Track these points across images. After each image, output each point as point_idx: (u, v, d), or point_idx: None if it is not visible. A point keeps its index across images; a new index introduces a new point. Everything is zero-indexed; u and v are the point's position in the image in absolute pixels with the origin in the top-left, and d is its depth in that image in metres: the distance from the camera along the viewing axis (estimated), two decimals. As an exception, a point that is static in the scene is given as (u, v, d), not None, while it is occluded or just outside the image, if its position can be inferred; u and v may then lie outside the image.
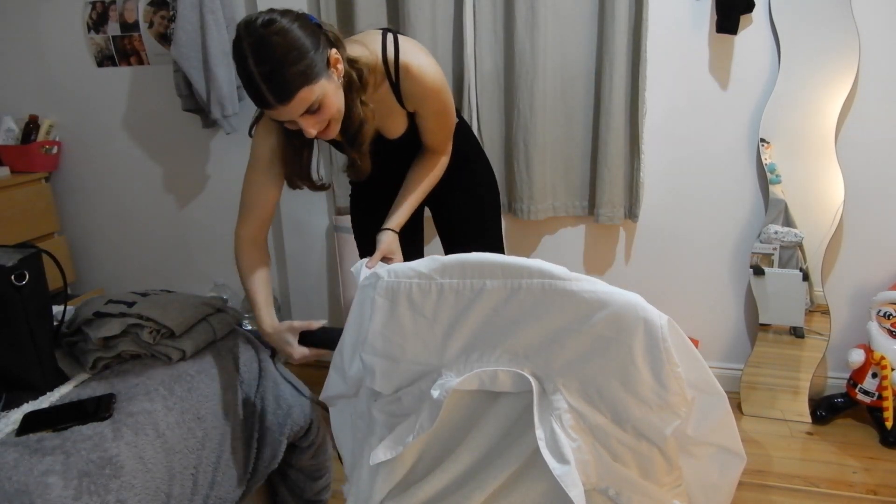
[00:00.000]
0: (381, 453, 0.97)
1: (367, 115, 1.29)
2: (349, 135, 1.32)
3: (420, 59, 1.33)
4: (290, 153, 1.38)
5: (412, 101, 1.37)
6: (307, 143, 1.37)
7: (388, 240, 1.40)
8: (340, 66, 1.21)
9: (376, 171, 1.46)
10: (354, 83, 1.26)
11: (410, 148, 1.50)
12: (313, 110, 1.17)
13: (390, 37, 1.32)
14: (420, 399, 0.97)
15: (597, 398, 0.87)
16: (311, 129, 1.20)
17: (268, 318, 1.34)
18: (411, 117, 1.43)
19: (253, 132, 1.43)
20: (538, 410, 0.88)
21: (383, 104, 1.37)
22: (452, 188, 1.59)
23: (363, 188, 1.65)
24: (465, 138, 1.61)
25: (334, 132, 1.26)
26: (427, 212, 1.75)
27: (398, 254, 1.41)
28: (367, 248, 1.62)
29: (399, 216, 1.46)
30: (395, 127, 1.44)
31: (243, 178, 1.44)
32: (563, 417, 0.88)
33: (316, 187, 1.46)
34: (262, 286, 1.38)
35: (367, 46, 1.30)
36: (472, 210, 1.67)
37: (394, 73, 1.32)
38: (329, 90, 1.17)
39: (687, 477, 0.93)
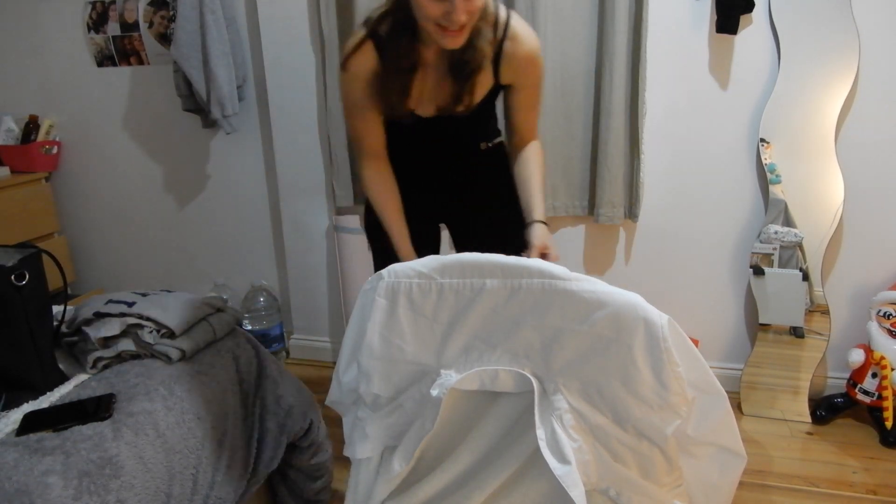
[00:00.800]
0: (395, 464, 0.97)
1: (486, 49, 1.28)
2: (465, 72, 1.30)
3: (527, 27, 1.33)
4: (392, 77, 1.33)
5: (510, 68, 1.34)
6: (412, 69, 1.33)
7: (542, 233, 1.34)
8: None
9: (417, 149, 1.44)
10: (485, 14, 1.25)
11: (465, 127, 1.45)
12: None
13: (500, 2, 1.33)
14: (422, 403, 0.97)
15: (597, 398, 0.87)
16: (462, 13, 1.17)
17: (405, 248, 1.38)
18: (493, 93, 1.38)
19: (344, 68, 1.38)
20: (539, 410, 0.88)
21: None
22: (477, 205, 1.53)
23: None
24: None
25: (463, 39, 1.24)
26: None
27: (554, 248, 1.34)
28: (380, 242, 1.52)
29: (540, 206, 1.39)
30: (472, 94, 1.37)
31: (345, 122, 1.47)
32: (564, 417, 0.88)
33: (404, 115, 1.39)
34: (397, 216, 1.41)
35: None
36: (494, 229, 1.54)
37: (501, 32, 1.30)
38: None
39: (687, 477, 0.93)
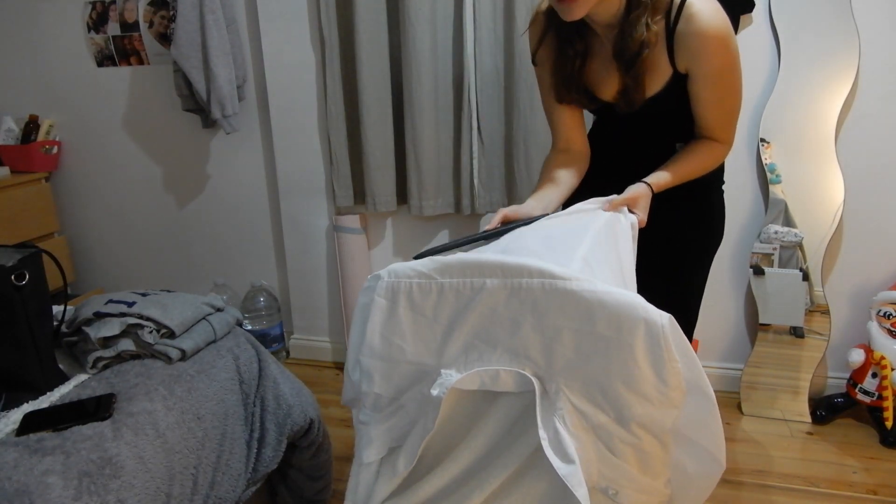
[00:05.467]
0: (400, 465, 0.97)
1: (650, 38, 1.17)
2: (626, 57, 1.21)
3: (710, 4, 1.16)
4: (561, 61, 1.30)
5: (685, 54, 1.19)
6: (580, 53, 1.28)
7: (640, 190, 1.21)
8: None
9: (608, 139, 1.38)
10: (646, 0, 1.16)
11: (652, 122, 1.33)
12: None
13: None
14: (423, 403, 0.97)
15: (599, 398, 0.87)
16: None
17: (529, 204, 1.26)
18: (673, 84, 1.25)
19: (535, 60, 1.38)
20: (541, 411, 0.88)
21: (651, 52, 1.22)
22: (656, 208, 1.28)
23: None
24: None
25: (582, 9, 1.14)
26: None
27: (645, 211, 1.20)
28: None
29: (661, 177, 1.25)
30: (651, 84, 1.25)
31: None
32: (567, 417, 0.88)
33: (586, 103, 1.33)
34: (542, 192, 1.30)
35: None
36: (671, 255, 1.36)
37: (674, 14, 1.17)
38: None
39: None
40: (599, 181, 1.33)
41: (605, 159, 1.43)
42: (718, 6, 1.18)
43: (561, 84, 1.33)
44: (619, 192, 1.25)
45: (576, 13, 1.15)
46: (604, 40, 1.27)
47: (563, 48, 1.28)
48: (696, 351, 1.19)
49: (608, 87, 1.31)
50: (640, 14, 1.17)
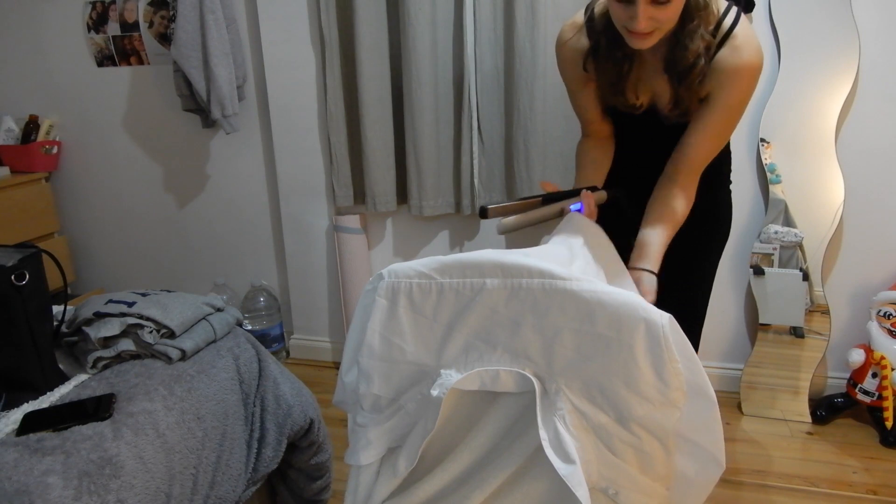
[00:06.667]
0: (401, 465, 0.97)
1: (703, 52, 1.18)
2: (679, 68, 1.22)
3: (752, 38, 1.19)
4: (608, 64, 1.30)
5: (715, 80, 1.21)
6: (628, 58, 1.28)
7: (653, 283, 1.18)
8: None
9: (636, 141, 1.41)
10: (700, 11, 1.16)
11: (671, 129, 1.33)
12: (661, 1, 1.10)
13: (735, 8, 1.21)
14: (423, 403, 0.97)
15: (600, 398, 0.87)
16: (643, 20, 1.11)
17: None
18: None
19: (557, 47, 1.41)
20: (541, 411, 0.88)
21: None
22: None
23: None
24: (719, 172, 1.43)
25: (651, 42, 1.17)
26: None
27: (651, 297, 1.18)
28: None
29: (655, 258, 1.22)
30: (692, 98, 1.27)
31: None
32: (567, 417, 0.87)
33: (629, 105, 1.33)
34: (584, 174, 1.40)
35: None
36: (679, 255, 1.32)
37: (720, 38, 1.19)
38: None
39: None
40: (624, 173, 1.44)
41: (633, 165, 1.45)
42: (759, 43, 1.20)
43: (607, 87, 1.33)
44: (638, 178, 1.35)
45: (646, 45, 1.18)
46: (653, 52, 1.26)
47: (610, 54, 1.29)
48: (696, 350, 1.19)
49: (654, 97, 1.32)
50: (696, 27, 1.17)
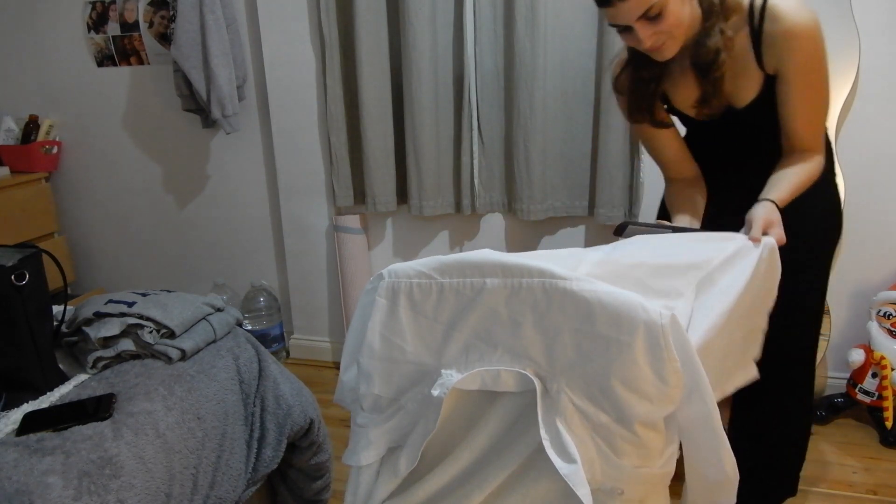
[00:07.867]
0: (402, 465, 0.97)
1: (725, 44, 1.18)
2: (702, 64, 1.22)
3: (793, 1, 1.18)
4: (635, 83, 1.32)
5: (773, 53, 1.20)
6: (655, 77, 1.31)
7: (769, 210, 1.13)
8: None
9: (704, 148, 1.39)
10: (715, 6, 1.17)
11: (753, 129, 1.31)
12: (651, 16, 1.11)
13: None
14: (424, 403, 0.97)
15: (600, 397, 0.87)
16: (646, 39, 1.14)
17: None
18: (767, 88, 1.25)
19: (615, 90, 1.42)
20: (542, 410, 0.88)
21: (736, 58, 1.22)
22: None
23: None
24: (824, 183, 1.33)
25: (671, 51, 1.19)
26: None
27: (778, 226, 1.12)
28: None
29: (780, 191, 1.18)
30: (744, 91, 1.25)
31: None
32: (568, 417, 0.88)
33: (657, 122, 1.35)
34: (679, 211, 1.34)
35: None
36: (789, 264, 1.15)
37: (758, 16, 1.19)
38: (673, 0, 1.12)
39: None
40: (725, 195, 1.37)
41: (718, 172, 1.43)
42: (797, 2, 1.19)
43: (634, 104, 1.35)
44: (720, 204, 1.34)
45: (667, 55, 1.20)
46: (682, 54, 1.26)
47: (637, 76, 1.31)
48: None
49: (689, 100, 1.32)
50: (714, 23, 1.19)
